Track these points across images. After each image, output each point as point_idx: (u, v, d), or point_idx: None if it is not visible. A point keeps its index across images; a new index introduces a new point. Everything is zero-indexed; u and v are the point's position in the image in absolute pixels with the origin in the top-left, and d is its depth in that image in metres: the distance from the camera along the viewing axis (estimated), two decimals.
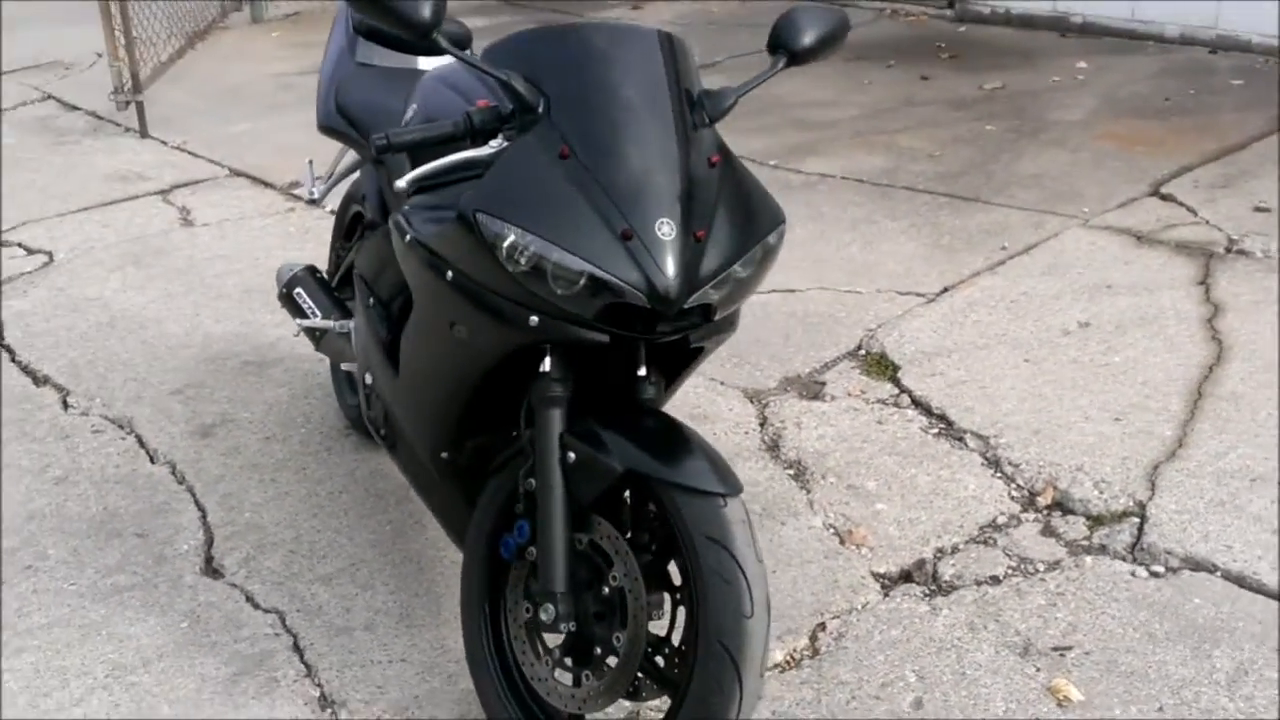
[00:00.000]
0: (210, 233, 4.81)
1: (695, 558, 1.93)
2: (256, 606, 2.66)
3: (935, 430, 3.21)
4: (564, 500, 2.00)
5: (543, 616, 2.02)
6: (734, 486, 1.96)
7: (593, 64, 2.00)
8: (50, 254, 4.61)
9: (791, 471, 3.07)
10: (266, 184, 5.28)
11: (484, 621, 2.22)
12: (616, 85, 1.98)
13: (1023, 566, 2.69)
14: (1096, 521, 2.81)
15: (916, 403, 3.34)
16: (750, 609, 1.90)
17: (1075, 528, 2.81)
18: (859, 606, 2.60)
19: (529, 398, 2.06)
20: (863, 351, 3.62)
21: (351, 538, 2.88)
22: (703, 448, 2.03)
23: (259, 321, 3.94)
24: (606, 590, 2.03)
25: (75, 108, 6.52)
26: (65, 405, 3.51)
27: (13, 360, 3.79)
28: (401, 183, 1.99)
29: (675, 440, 2.03)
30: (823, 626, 2.54)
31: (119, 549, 2.87)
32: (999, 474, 3.01)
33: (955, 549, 2.76)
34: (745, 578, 1.91)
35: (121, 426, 3.39)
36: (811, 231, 4.42)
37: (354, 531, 2.89)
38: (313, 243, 4.46)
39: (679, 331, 1.95)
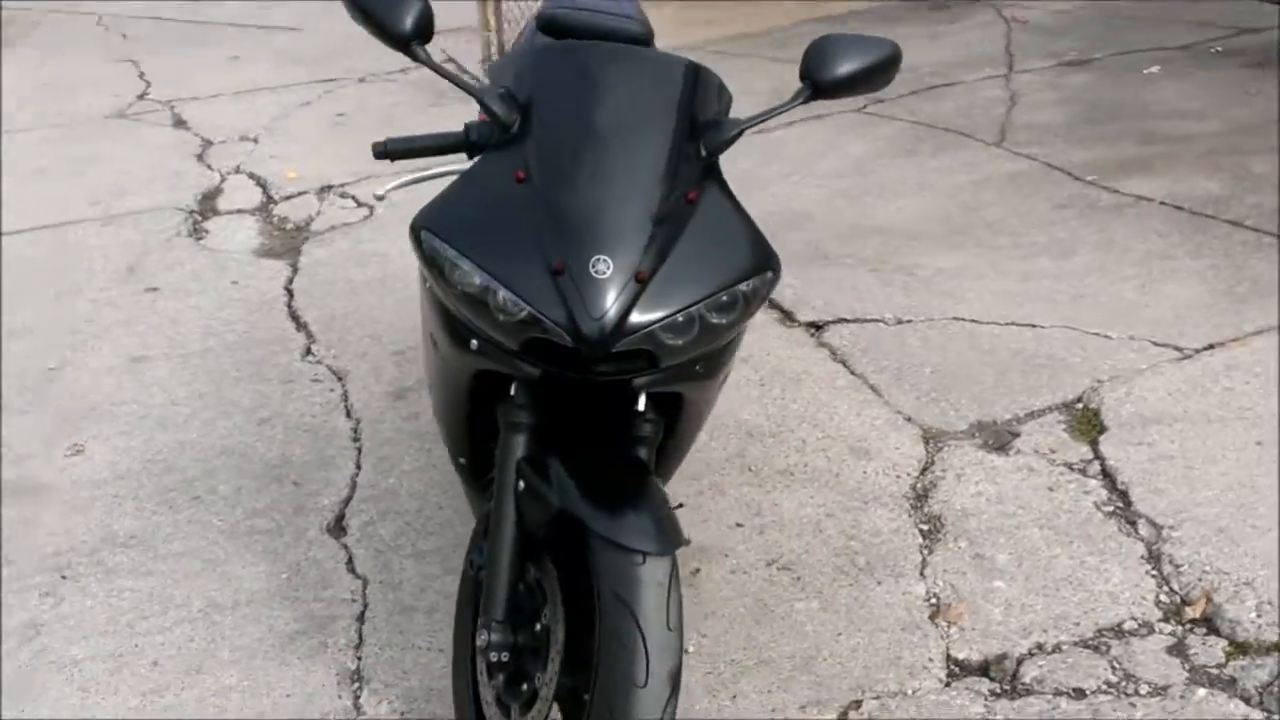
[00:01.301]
0: None
1: (600, 614, 1.85)
2: (350, 570, 2.82)
3: (1109, 508, 2.84)
4: (514, 528, 1.98)
5: (479, 641, 2.01)
6: (662, 546, 1.86)
7: (581, 87, 1.94)
8: (372, 209, 5.02)
9: (925, 527, 2.83)
10: None
11: (465, 632, 2.23)
12: (597, 110, 1.90)
13: (1122, 684, 2.35)
14: (1239, 649, 2.40)
15: (1106, 473, 2.96)
16: (644, 678, 1.80)
17: (1211, 652, 2.41)
18: (908, 691, 2.37)
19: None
20: (1080, 405, 3.25)
21: (465, 520, 2.96)
22: (649, 500, 1.93)
23: None
24: (537, 628, 1.99)
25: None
26: (306, 352, 3.84)
27: (289, 304, 4.17)
28: (378, 190, 2.02)
29: (622, 487, 1.95)
30: (857, 705, 2.35)
31: (273, 494, 3.13)
32: (1154, 571, 2.62)
33: (1057, 648, 2.45)
34: (645, 644, 1.81)
35: (339, 379, 3.66)
36: (1088, 262, 3.99)
37: (469, 516, 2.97)
38: None
39: (623, 374, 1.86)
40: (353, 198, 5.17)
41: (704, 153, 1.93)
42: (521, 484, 1.95)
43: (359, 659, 2.53)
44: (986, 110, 5.51)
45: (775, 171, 5.04)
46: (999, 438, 3.15)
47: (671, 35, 7.13)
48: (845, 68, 1.96)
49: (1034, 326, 3.63)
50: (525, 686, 1.99)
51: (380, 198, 2.04)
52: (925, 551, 2.74)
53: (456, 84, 1.97)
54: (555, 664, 1.91)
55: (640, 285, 1.77)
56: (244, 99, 6.54)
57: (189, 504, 3.10)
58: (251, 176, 5.40)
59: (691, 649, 2.49)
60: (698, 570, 2.71)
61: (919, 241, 4.27)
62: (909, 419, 3.25)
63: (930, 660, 2.43)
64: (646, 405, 2.03)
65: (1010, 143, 5.09)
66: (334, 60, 7.06)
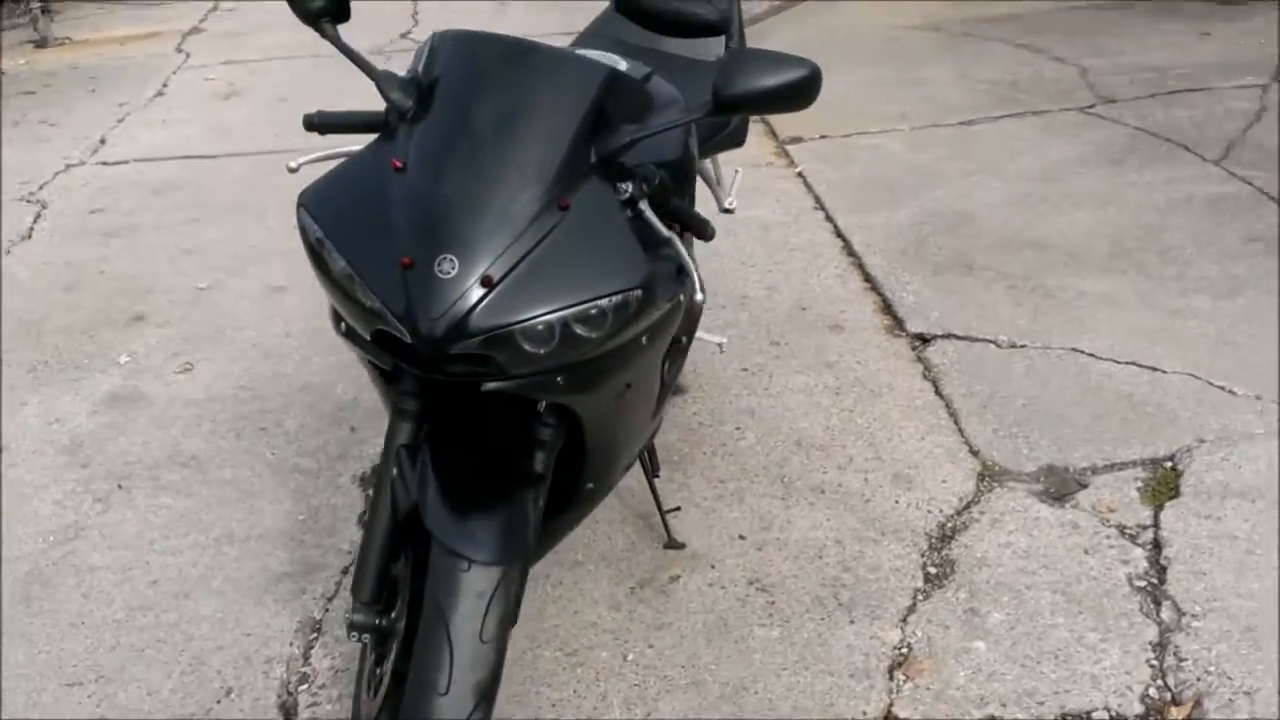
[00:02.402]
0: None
1: (419, 617, 1.85)
2: (360, 522, 2.91)
3: (1140, 583, 2.58)
4: (388, 512, 1.99)
5: (344, 618, 2.04)
6: (491, 556, 1.83)
7: (473, 80, 1.90)
8: None
9: (933, 570, 2.66)
10: (774, 135, 5.35)
11: None
12: (481, 106, 1.86)
13: None
14: None
15: (1156, 543, 2.69)
16: (445, 686, 1.79)
17: None
18: None
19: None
20: (1168, 464, 2.96)
21: None
22: (503, 507, 1.91)
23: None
24: (393, 615, 2.01)
25: None
26: None
27: None
28: (291, 163, 2.06)
29: (475, 490, 1.92)
30: None
31: (327, 436, 3.27)
32: (1154, 661, 2.37)
33: None
34: (451, 652, 1.80)
35: None
36: (1249, 306, 3.61)
37: None
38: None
39: (473, 376, 1.83)
40: None
41: (593, 159, 1.85)
42: (395, 470, 1.95)
43: (326, 610, 2.61)
44: (1222, 123, 5.02)
45: (958, 168, 4.77)
46: (1063, 486, 2.90)
47: (914, 12, 6.86)
48: (750, 85, 1.84)
49: (1154, 370, 3.31)
50: (378, 671, 2.01)
51: (293, 170, 2.06)
52: (919, 597, 2.57)
53: (359, 65, 1.97)
54: (390, 658, 1.92)
55: (486, 289, 1.73)
56: None
57: (253, 434, 3.27)
58: None
59: (630, 657, 2.43)
60: (677, 577, 2.64)
61: (1075, 261, 3.96)
62: (974, 452, 3.03)
63: (865, 714, 2.28)
64: (545, 410, 1.99)
65: (1231, 162, 4.62)
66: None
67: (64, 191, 5.08)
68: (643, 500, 2.80)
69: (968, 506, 2.84)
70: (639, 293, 1.80)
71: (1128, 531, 2.72)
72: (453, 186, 1.78)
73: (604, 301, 1.78)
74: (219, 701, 2.38)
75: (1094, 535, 2.71)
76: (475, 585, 1.81)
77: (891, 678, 2.36)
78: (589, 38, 2.95)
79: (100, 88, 6.63)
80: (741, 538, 2.77)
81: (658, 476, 2.73)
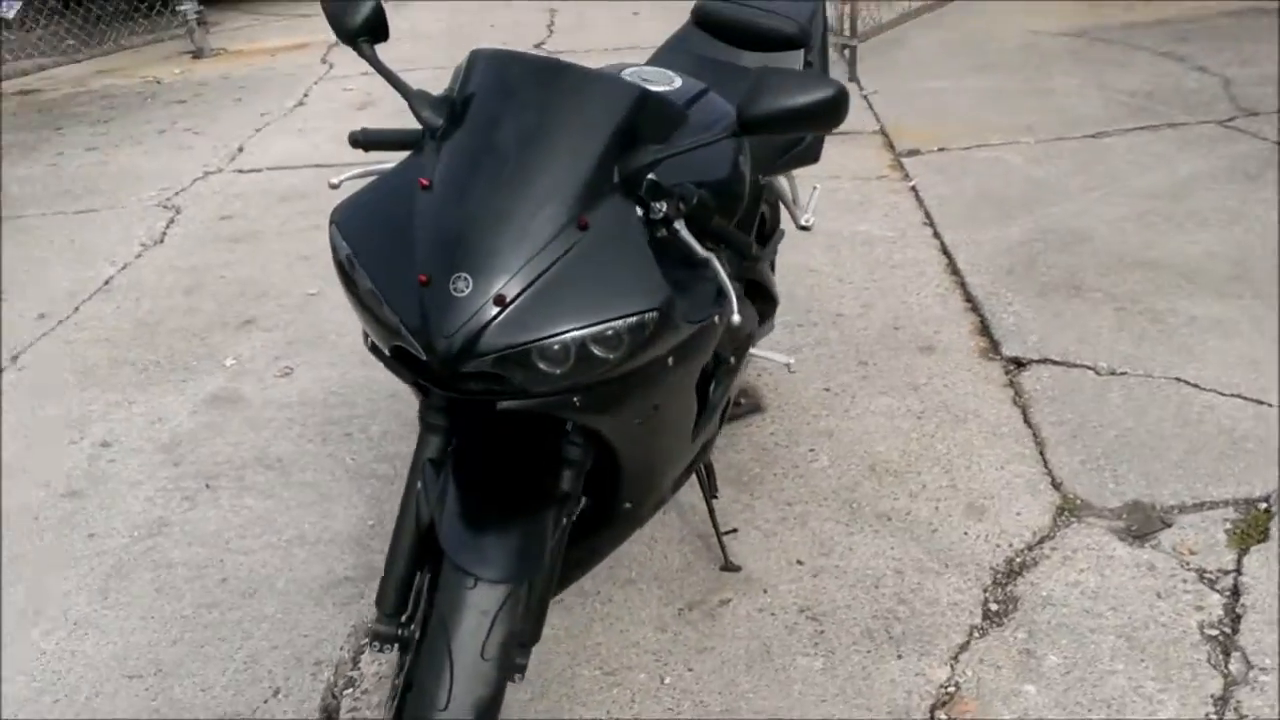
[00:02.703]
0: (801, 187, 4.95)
1: (423, 631, 1.88)
2: None
3: (1212, 631, 2.45)
4: (412, 525, 2.02)
5: (369, 625, 2.08)
6: (498, 574, 1.84)
7: (501, 99, 1.91)
8: None
9: (994, 608, 2.58)
10: (891, 147, 5.26)
11: None
12: (506, 125, 1.87)
13: None
14: None
15: (1235, 590, 2.55)
16: (445, 703, 1.81)
17: None
18: None
19: None
20: (1262, 505, 2.81)
21: None
22: (517, 527, 1.91)
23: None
24: (413, 628, 2.04)
25: None
26: None
27: None
28: (333, 179, 2.10)
29: (495, 507, 1.94)
30: None
31: (408, 443, 3.31)
32: (1213, 716, 2.25)
33: None
34: (451, 668, 1.82)
35: None
36: None
37: None
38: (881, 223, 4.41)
39: (490, 394, 1.85)
40: None
41: (616, 179, 1.84)
42: (419, 484, 1.98)
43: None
44: None
45: (1080, 183, 4.61)
46: (1145, 525, 2.78)
47: (1059, 17, 6.65)
48: (775, 105, 1.80)
49: (1260, 403, 3.14)
50: (396, 683, 2.03)
51: (335, 186, 2.10)
52: (974, 634, 2.49)
53: (393, 84, 2.00)
54: (404, 671, 1.94)
55: (499, 308, 1.73)
56: (628, 55, 6.79)
57: (339, 439, 3.36)
58: None
59: (668, 680, 2.41)
60: (727, 601, 2.62)
61: (1190, 284, 3.78)
62: (1056, 484, 2.92)
63: None
64: (574, 429, 1.99)
65: None
66: None
67: (198, 198, 5.29)
68: (704, 519, 2.77)
69: (1040, 541, 2.73)
70: (655, 315, 1.78)
71: (1207, 576, 2.58)
72: (473, 205, 1.79)
73: (619, 323, 1.76)
74: (266, 701, 2.44)
75: (1170, 578, 2.58)
76: (480, 603, 1.82)
77: (932, 717, 2.28)
78: (667, 52, 2.95)
79: (246, 97, 6.88)
80: (799, 563, 2.72)
81: (716, 497, 2.70)
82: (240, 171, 5.60)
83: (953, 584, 2.61)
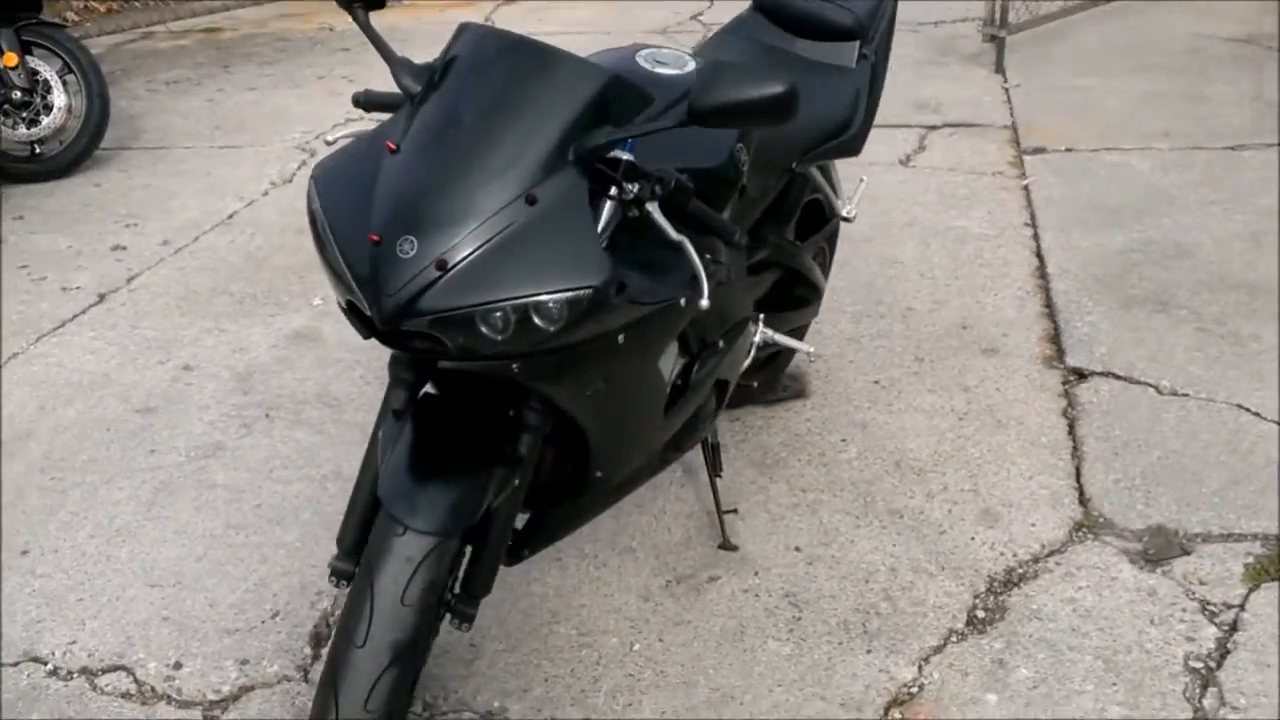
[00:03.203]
0: (911, 176, 4.92)
1: (355, 575, 1.98)
2: None
3: (1196, 664, 2.39)
4: (373, 469, 2.13)
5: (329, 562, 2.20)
6: (425, 524, 1.93)
7: (474, 71, 1.99)
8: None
9: (979, 615, 2.56)
10: (1017, 143, 5.15)
11: None
12: (473, 96, 1.94)
13: None
14: None
15: (1235, 625, 2.48)
16: (363, 640, 1.91)
17: None
18: None
19: None
20: None
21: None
22: (456, 481, 2.00)
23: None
24: None
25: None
26: None
27: None
28: (329, 136, 2.21)
29: (438, 461, 2.03)
30: None
31: None
32: None
33: None
34: (371, 609, 1.92)
35: None
36: None
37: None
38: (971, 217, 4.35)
39: (435, 353, 1.93)
40: None
41: (571, 157, 1.90)
42: (380, 432, 2.09)
43: None
44: None
45: (1200, 196, 4.44)
46: (1163, 550, 2.71)
47: (1230, 20, 6.35)
48: (724, 97, 1.83)
49: None
50: None
51: (330, 143, 2.20)
52: (952, 638, 2.48)
53: (379, 50, 2.09)
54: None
55: (440, 272, 1.81)
56: None
57: None
58: None
59: (636, 648, 2.48)
60: (716, 578, 2.66)
61: None
62: (1083, 500, 2.87)
63: None
64: (532, 395, 2.06)
65: None
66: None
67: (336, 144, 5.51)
68: (688, 506, 2.82)
69: (1048, 555, 2.69)
70: (589, 292, 1.81)
71: (1209, 608, 2.50)
72: (428, 170, 1.87)
73: (553, 296, 1.80)
74: (264, 622, 2.60)
75: (1169, 605, 2.51)
76: (405, 550, 1.90)
77: (886, 715, 2.29)
78: (723, 34, 2.97)
79: (406, 49, 7.07)
80: (797, 549, 2.73)
81: (719, 475, 2.74)
82: (377, 120, 5.79)
83: (944, 587, 2.60)
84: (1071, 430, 3.13)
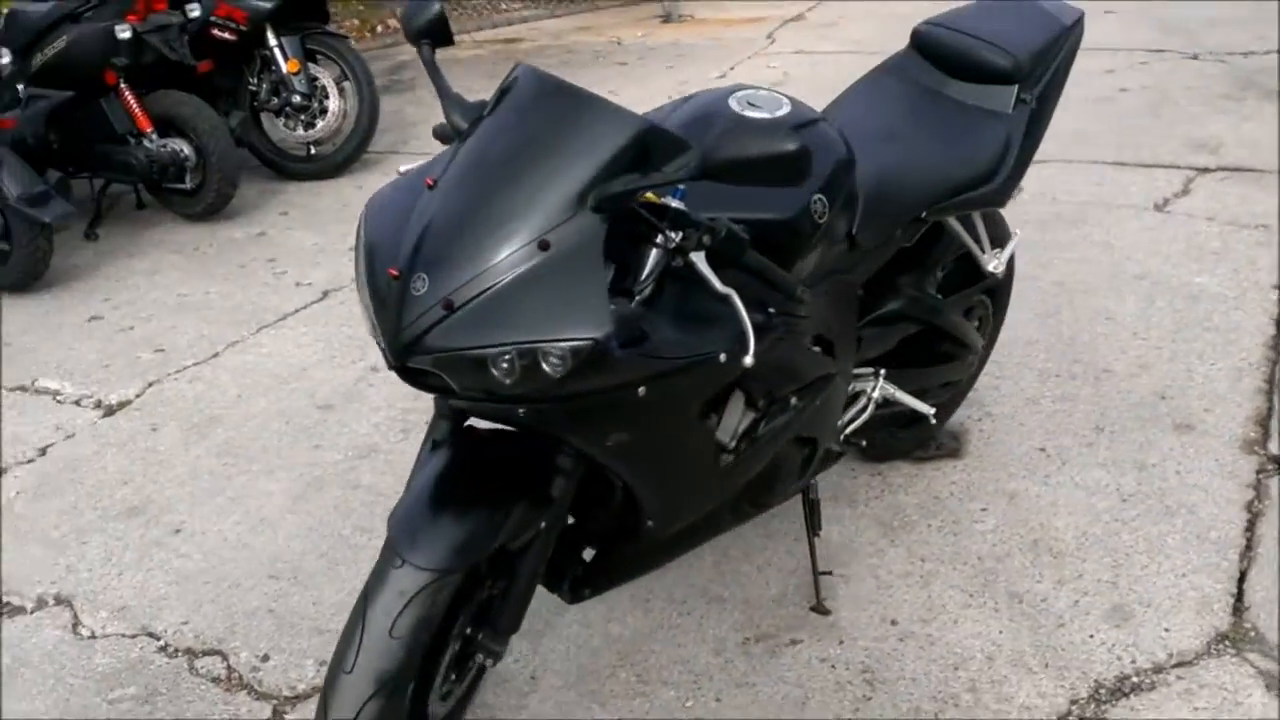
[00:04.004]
0: (1162, 223, 4.59)
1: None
2: None
3: None
4: None
5: None
6: (423, 559, 1.96)
7: (511, 113, 1.99)
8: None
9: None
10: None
11: None
12: (507, 139, 1.95)
13: None
14: None
15: None
16: (350, 666, 1.96)
17: None
18: None
19: None
20: None
21: None
22: (467, 519, 2.01)
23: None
24: None
25: None
26: None
27: None
28: (401, 168, 2.26)
29: (453, 496, 2.05)
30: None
31: None
32: None
33: None
34: (361, 635, 1.96)
35: None
36: None
37: None
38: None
39: (449, 391, 1.95)
40: None
41: (591, 204, 1.86)
42: (419, 459, 2.13)
43: None
44: None
45: None
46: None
47: None
48: (727, 154, 1.76)
49: None
50: None
51: (401, 173, 2.24)
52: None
53: (436, 86, 2.11)
54: None
55: (446, 312, 1.82)
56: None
57: None
58: None
59: (690, 705, 2.41)
60: (798, 642, 2.55)
61: None
62: (1236, 610, 2.58)
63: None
64: (568, 440, 2.05)
65: None
66: (1202, 32, 6.67)
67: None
68: (831, 556, 2.74)
69: (1173, 666, 2.42)
70: (589, 345, 1.76)
71: None
72: (449, 210, 1.88)
73: (555, 345, 1.78)
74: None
75: None
76: (399, 583, 1.92)
77: None
78: (879, 72, 2.85)
79: (679, 65, 7.22)
80: (893, 623, 2.58)
81: (818, 534, 2.63)
82: None
83: (1041, 686, 2.38)
84: (1250, 527, 2.79)
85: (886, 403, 2.71)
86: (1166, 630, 2.49)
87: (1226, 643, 2.45)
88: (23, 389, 3.94)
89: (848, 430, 2.67)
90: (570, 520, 2.21)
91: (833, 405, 2.44)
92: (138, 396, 3.81)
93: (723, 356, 1.94)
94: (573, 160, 1.84)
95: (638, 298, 1.94)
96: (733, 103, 2.25)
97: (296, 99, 5.62)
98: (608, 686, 2.45)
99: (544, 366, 1.76)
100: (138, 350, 4.15)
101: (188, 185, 5.22)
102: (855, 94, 2.79)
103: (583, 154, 1.85)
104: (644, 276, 1.92)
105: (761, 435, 2.26)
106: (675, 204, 1.88)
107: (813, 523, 2.60)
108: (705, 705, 2.39)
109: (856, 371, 2.64)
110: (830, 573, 2.66)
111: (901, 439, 3.08)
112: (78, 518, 3.18)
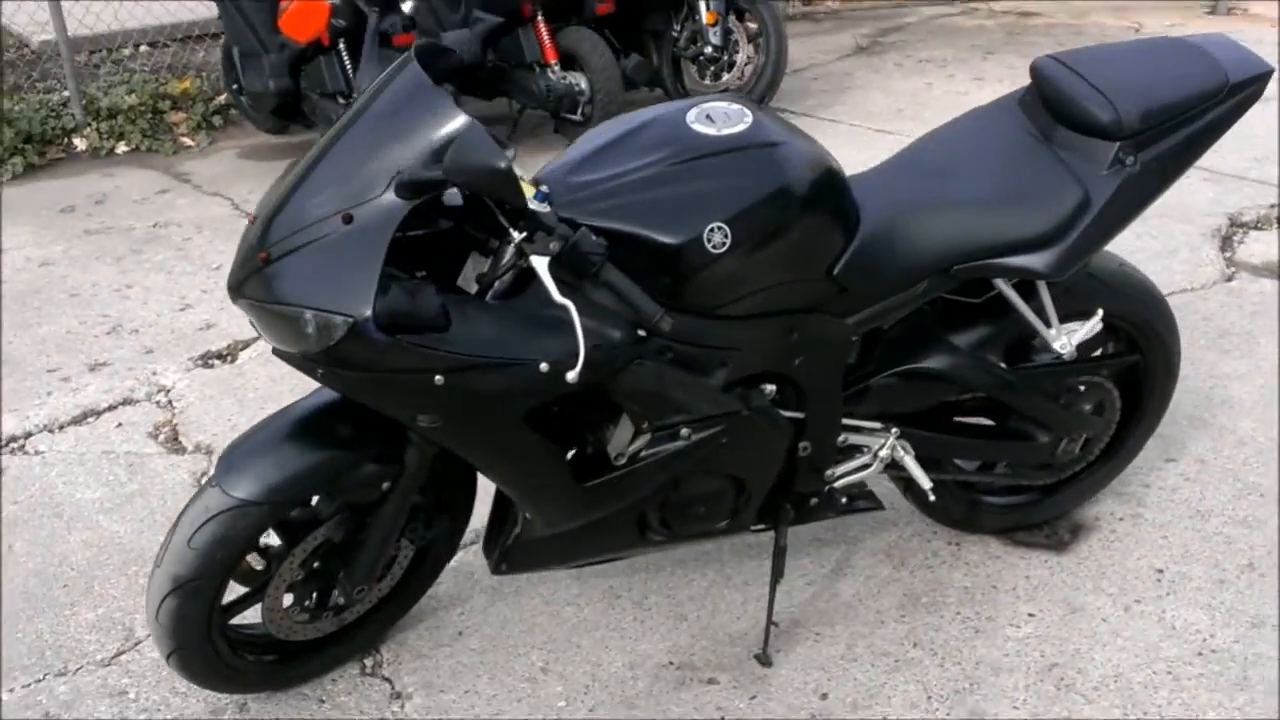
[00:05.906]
0: None
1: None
2: None
3: None
4: None
5: None
6: (239, 489, 2.07)
7: (377, 91, 2.05)
8: None
9: None
10: None
11: None
12: (361, 114, 2.02)
13: None
14: None
15: None
16: (159, 561, 2.17)
17: None
18: None
19: None
20: None
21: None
22: (297, 458, 2.13)
23: None
24: None
25: None
26: None
27: None
28: None
29: (296, 436, 2.18)
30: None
31: None
32: None
33: None
34: (168, 540, 2.17)
35: None
36: None
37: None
38: None
39: None
40: None
41: (394, 190, 1.90)
42: None
43: None
44: None
45: None
46: None
47: None
48: (450, 159, 1.79)
49: None
50: None
51: None
52: None
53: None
54: None
55: (262, 264, 1.96)
56: None
57: None
58: None
59: (570, 710, 2.42)
60: (713, 681, 2.44)
61: None
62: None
63: None
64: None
65: None
66: None
67: None
68: (806, 601, 2.64)
69: None
70: (346, 321, 1.81)
71: None
72: (302, 169, 2.01)
73: (317, 314, 1.86)
74: None
75: None
76: (208, 499, 2.11)
77: None
78: (991, 106, 2.55)
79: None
80: (823, 697, 2.39)
81: (780, 579, 2.47)
82: None
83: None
84: None
85: (894, 464, 2.46)
86: None
87: None
88: None
89: (839, 482, 2.46)
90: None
91: (765, 448, 2.27)
92: None
93: (544, 366, 1.91)
94: (394, 145, 1.89)
95: (490, 292, 1.96)
96: (691, 113, 2.14)
97: (709, 50, 5.78)
98: (513, 663, 2.48)
99: (308, 331, 1.84)
100: None
101: (578, 117, 5.57)
102: (959, 122, 2.51)
103: (404, 140, 1.89)
104: (498, 272, 1.95)
105: (644, 458, 2.17)
106: (534, 205, 1.87)
107: (776, 569, 2.44)
108: (577, 711, 2.35)
109: (860, 424, 2.41)
110: (777, 624, 2.48)
111: (1000, 512, 2.76)
112: None
